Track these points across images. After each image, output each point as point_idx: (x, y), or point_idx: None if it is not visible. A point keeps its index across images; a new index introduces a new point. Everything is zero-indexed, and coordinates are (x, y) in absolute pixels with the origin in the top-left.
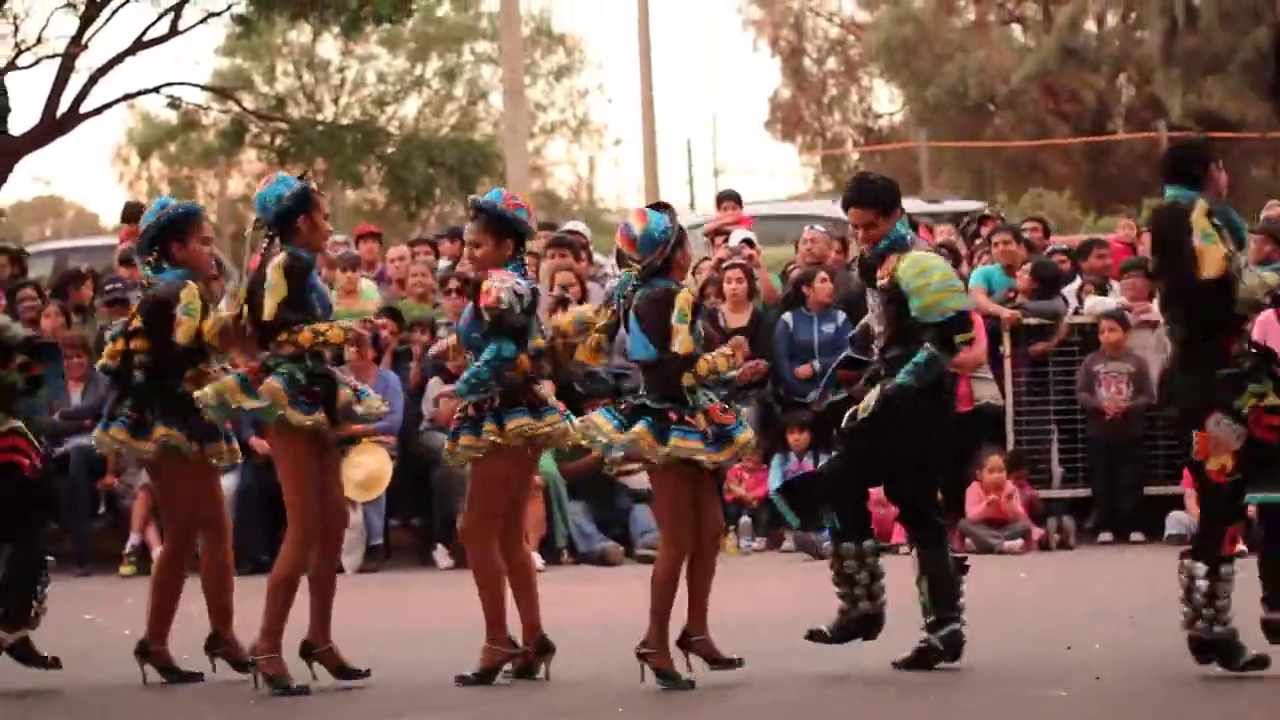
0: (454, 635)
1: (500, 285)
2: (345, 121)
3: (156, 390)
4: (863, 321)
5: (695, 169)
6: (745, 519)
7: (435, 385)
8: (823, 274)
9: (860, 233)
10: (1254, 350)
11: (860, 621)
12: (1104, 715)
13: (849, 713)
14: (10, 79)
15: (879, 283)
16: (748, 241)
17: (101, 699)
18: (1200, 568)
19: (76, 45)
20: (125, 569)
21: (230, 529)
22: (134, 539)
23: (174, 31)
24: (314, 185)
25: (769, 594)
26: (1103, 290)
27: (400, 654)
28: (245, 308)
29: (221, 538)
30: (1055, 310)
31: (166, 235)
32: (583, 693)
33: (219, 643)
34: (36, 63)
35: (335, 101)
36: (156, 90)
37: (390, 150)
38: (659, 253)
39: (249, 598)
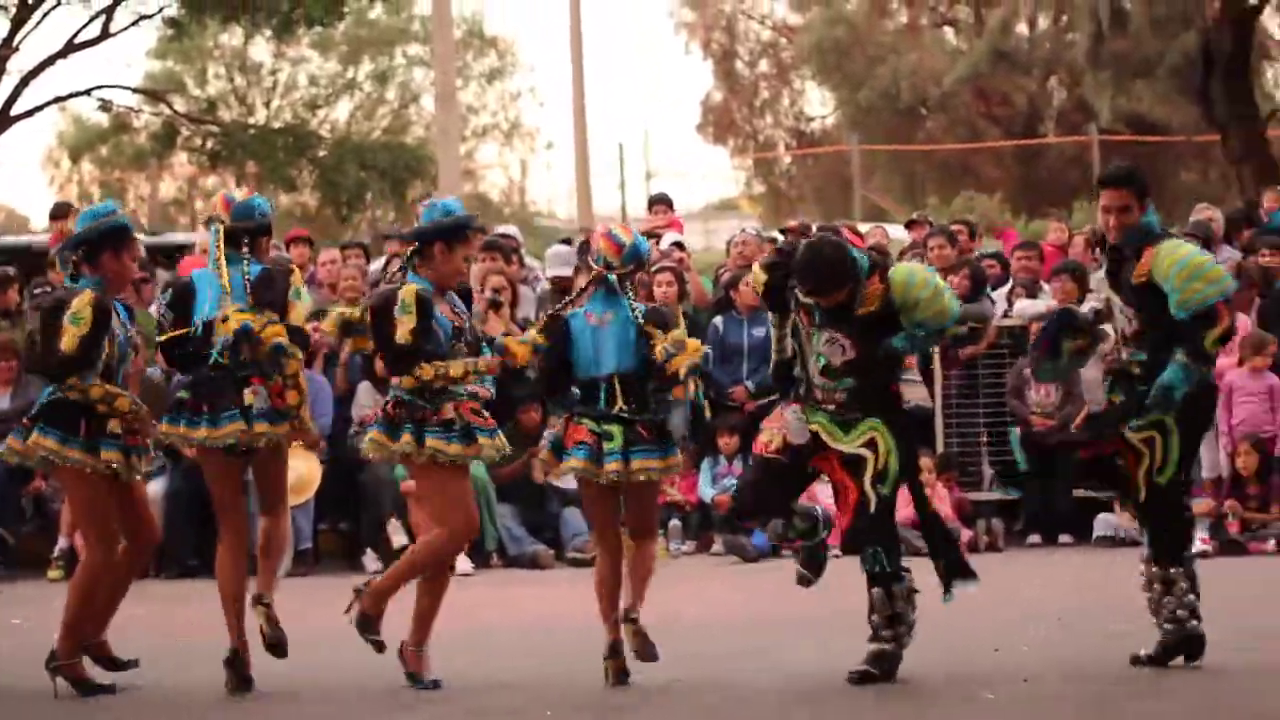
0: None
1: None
2: (277, 125)
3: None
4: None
5: (627, 173)
6: (675, 522)
7: (364, 390)
8: (749, 277)
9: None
10: None
11: (898, 659)
12: (1032, 717)
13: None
14: None
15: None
16: (678, 244)
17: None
18: (1165, 570)
19: (7, 48)
20: (53, 573)
21: (153, 536)
22: (62, 543)
23: (105, 34)
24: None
25: (713, 597)
26: (1033, 293)
27: (329, 658)
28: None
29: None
30: (983, 313)
31: (103, 242)
32: (519, 695)
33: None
34: None
35: (267, 105)
36: (88, 93)
37: (322, 154)
38: (633, 269)
39: (178, 601)
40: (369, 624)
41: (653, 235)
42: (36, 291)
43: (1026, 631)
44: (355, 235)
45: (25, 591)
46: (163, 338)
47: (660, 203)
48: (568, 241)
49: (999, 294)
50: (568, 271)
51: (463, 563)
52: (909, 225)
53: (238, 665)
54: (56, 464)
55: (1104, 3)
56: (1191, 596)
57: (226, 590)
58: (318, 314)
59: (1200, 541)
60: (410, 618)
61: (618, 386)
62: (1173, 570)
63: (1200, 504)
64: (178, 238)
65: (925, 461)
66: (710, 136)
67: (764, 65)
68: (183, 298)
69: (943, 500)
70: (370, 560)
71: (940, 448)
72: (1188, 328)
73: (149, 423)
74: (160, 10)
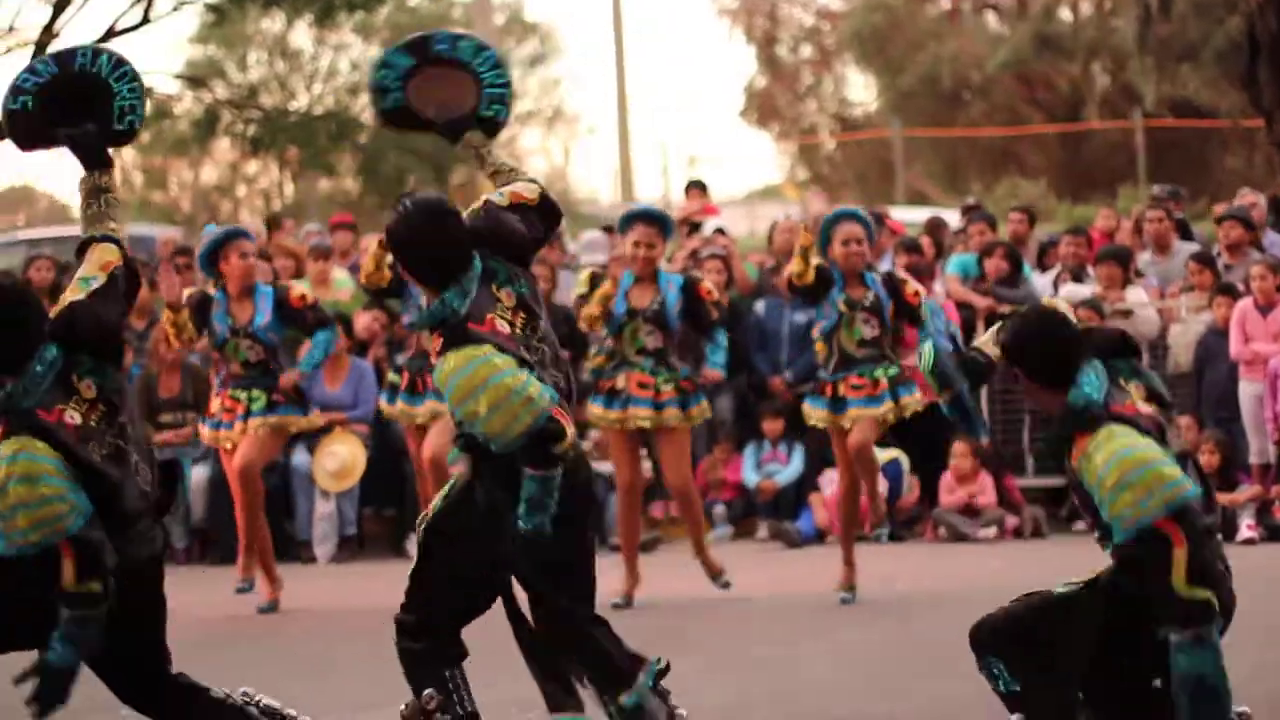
0: None
1: None
2: (319, 111)
3: None
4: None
5: (670, 158)
6: (719, 507)
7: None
8: None
9: None
10: None
11: None
12: None
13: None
14: None
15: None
16: (719, 231)
17: None
18: None
19: (49, 34)
20: None
21: None
22: None
23: (146, 20)
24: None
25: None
26: (1080, 279)
27: (372, 644)
28: None
29: None
30: (1027, 297)
31: (214, 255)
32: None
33: None
34: (8, 51)
35: (308, 90)
36: None
37: (363, 140)
38: None
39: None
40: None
41: (689, 222)
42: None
43: None
44: None
45: None
46: None
47: (695, 188)
48: (608, 229)
49: (1045, 279)
50: (603, 258)
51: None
52: (964, 211)
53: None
54: None
55: None
56: None
57: None
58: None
59: (1246, 528)
60: None
61: None
62: None
63: (1246, 490)
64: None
65: (961, 447)
66: (753, 122)
67: (806, 51)
68: None
69: (985, 489)
70: (414, 545)
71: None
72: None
73: None
74: None
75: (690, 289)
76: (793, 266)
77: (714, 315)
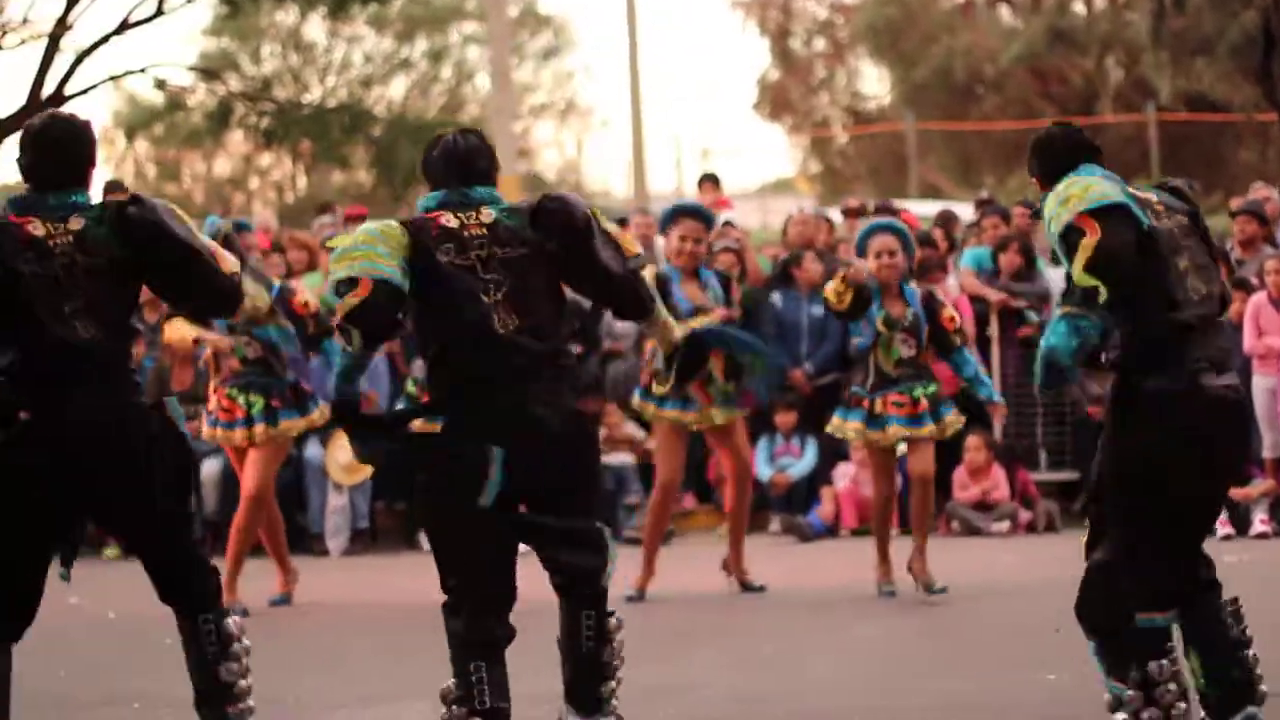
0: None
1: None
2: (332, 103)
3: None
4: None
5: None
6: None
7: (419, 368)
8: (812, 255)
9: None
10: None
11: None
12: (1093, 698)
13: (849, 685)
14: None
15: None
16: (728, 223)
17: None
18: None
19: (62, 26)
20: (109, 551)
21: None
22: None
23: (160, 12)
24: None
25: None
26: None
27: (385, 637)
28: None
29: None
30: (1042, 291)
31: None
32: None
33: None
34: (21, 43)
35: (322, 83)
36: (142, 71)
37: (377, 132)
38: None
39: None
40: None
41: None
42: None
43: None
44: (410, 213)
45: (81, 570)
46: None
47: (708, 181)
48: (622, 221)
49: (1058, 272)
50: None
51: None
52: (977, 205)
53: None
54: None
55: None
56: None
57: None
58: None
59: (1259, 522)
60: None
61: None
62: None
63: (1259, 485)
64: None
65: (975, 440)
66: (766, 115)
67: (820, 44)
68: None
69: (998, 484)
70: (426, 539)
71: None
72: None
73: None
74: None
75: (728, 286)
76: (830, 289)
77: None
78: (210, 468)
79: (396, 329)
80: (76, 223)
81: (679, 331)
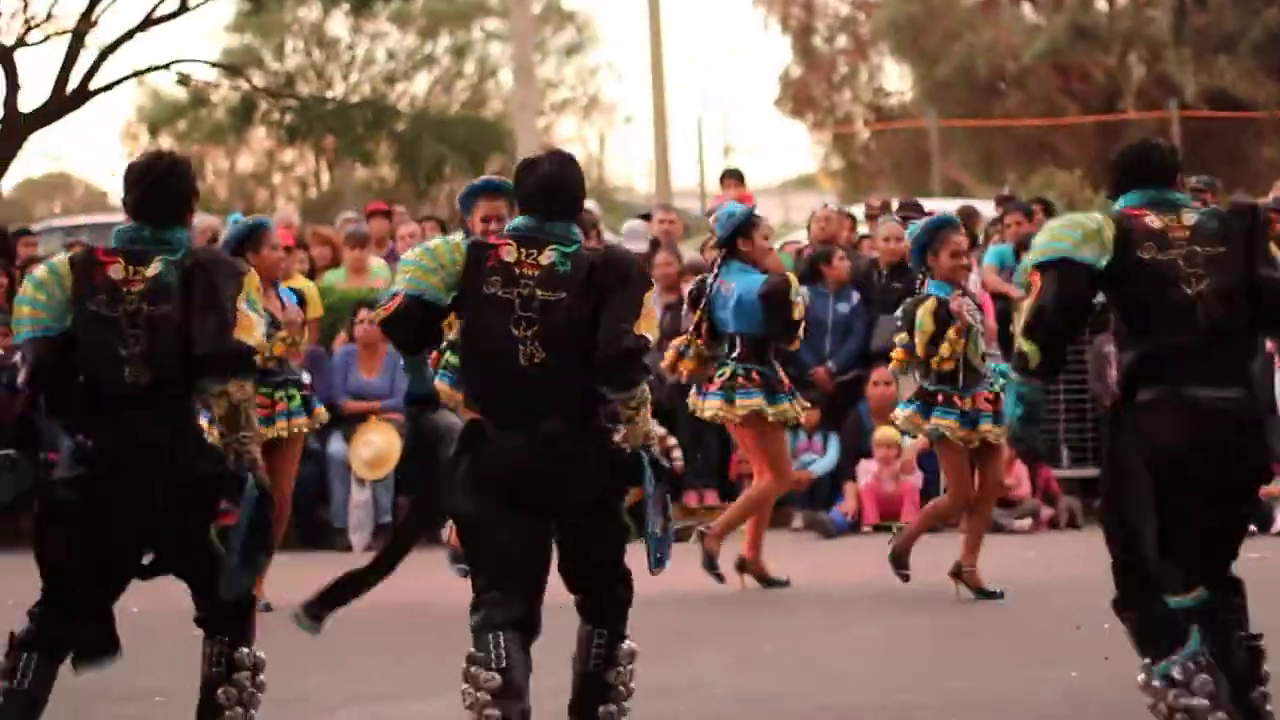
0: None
1: None
2: (355, 99)
3: None
4: None
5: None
6: None
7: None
8: (840, 252)
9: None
10: None
11: None
12: (1113, 694)
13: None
14: (20, 55)
15: None
16: None
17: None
18: None
19: (86, 22)
20: None
21: None
22: None
23: (184, 8)
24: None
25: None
26: None
27: (405, 633)
28: None
29: None
30: None
31: (243, 247)
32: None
33: None
34: (46, 39)
35: (345, 79)
36: (166, 67)
37: (400, 128)
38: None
39: None
40: (712, 559)
41: None
42: None
43: (1107, 609)
44: (434, 210)
45: None
46: None
47: (731, 177)
48: (645, 217)
49: None
50: (643, 247)
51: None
52: (998, 202)
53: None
54: None
55: None
56: None
57: None
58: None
59: None
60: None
61: None
62: None
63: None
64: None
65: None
66: (788, 111)
67: (842, 40)
68: None
69: (1020, 480)
70: (448, 533)
71: None
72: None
73: None
74: None
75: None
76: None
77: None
78: None
79: (427, 340)
80: (154, 268)
81: (646, 436)
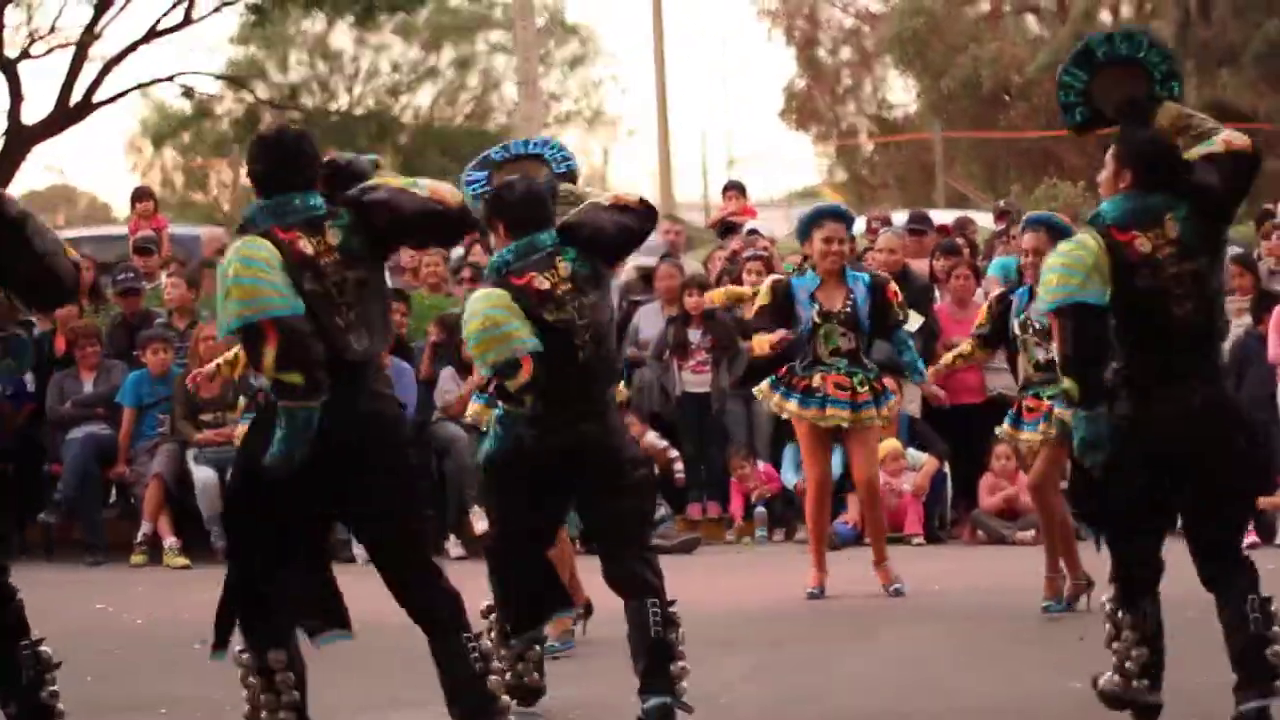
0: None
1: None
2: (359, 111)
3: None
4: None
5: (709, 160)
6: (761, 509)
7: (447, 376)
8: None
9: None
10: None
11: None
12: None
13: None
14: (24, 68)
15: None
16: (754, 232)
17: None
18: None
19: (90, 34)
20: (136, 558)
21: None
22: (145, 528)
23: (188, 20)
24: None
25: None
26: None
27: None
28: None
29: None
30: None
31: None
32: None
33: None
34: (50, 51)
35: (349, 91)
36: (170, 79)
37: (404, 140)
38: None
39: None
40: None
41: (727, 223)
42: (119, 277)
43: None
44: None
45: (108, 576)
46: None
47: (733, 189)
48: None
49: None
50: (651, 261)
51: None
52: (997, 215)
53: None
54: None
55: None
56: None
57: None
58: (397, 294)
59: None
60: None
61: None
62: None
63: None
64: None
65: (1002, 448)
66: (793, 123)
67: (846, 53)
68: None
69: (1023, 491)
70: (453, 546)
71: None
72: None
73: None
74: None
75: (879, 289)
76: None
77: (899, 316)
78: (208, 476)
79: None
80: (333, 236)
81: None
